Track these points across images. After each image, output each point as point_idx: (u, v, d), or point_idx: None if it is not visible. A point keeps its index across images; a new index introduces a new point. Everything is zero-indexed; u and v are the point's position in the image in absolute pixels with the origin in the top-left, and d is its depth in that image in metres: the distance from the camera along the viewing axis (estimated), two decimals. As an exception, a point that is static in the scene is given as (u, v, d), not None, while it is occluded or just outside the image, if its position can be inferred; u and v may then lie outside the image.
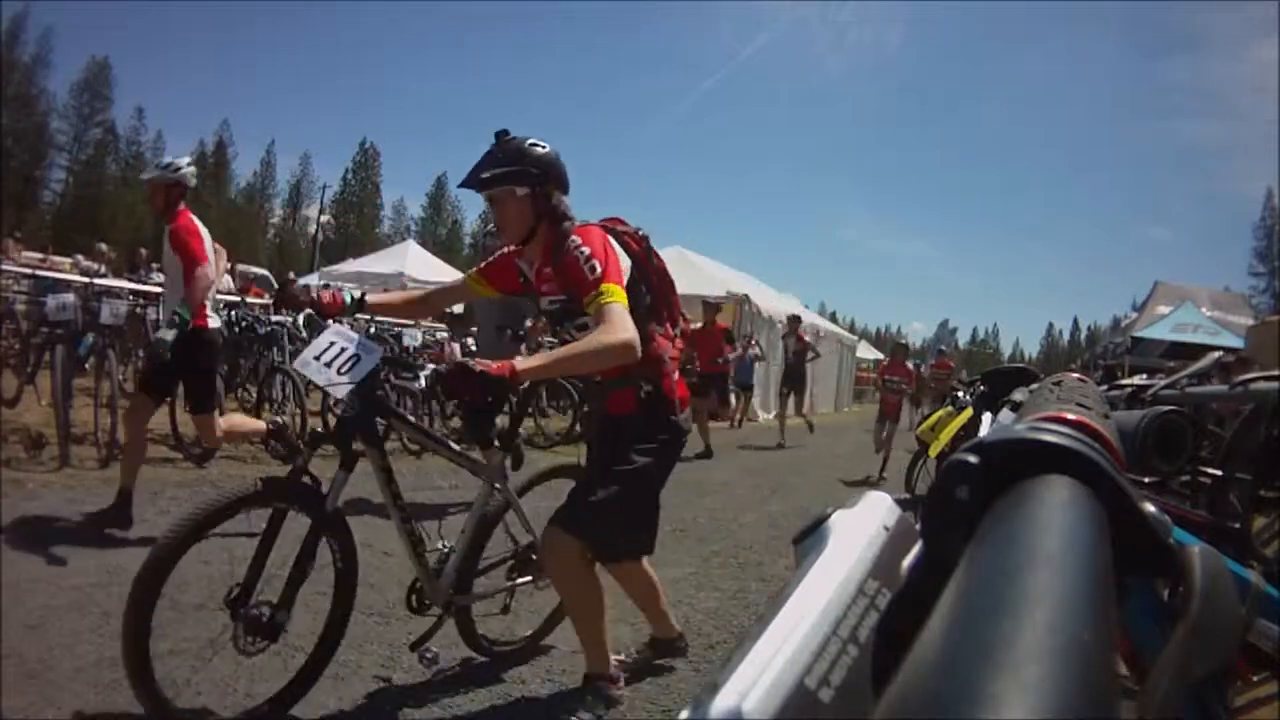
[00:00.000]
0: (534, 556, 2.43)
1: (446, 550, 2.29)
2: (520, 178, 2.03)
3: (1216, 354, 3.32)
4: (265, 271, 17.39)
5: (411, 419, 2.66)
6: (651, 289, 2.20)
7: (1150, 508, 0.34)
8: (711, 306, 8.86)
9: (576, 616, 2.16)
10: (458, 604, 2.30)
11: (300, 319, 2.36)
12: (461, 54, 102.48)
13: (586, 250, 1.95)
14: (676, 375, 2.16)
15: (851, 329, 50.22)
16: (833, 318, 46.69)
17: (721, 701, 0.25)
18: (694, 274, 14.22)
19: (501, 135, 2.09)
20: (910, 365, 9.27)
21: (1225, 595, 0.34)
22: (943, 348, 19.38)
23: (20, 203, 37.38)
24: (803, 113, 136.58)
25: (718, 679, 0.26)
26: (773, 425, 10.51)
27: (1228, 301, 17.47)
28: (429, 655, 2.20)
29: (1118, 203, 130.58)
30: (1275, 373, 2.33)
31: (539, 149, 2.07)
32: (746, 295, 13.43)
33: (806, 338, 10.88)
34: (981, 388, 1.41)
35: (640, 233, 2.22)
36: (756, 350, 11.67)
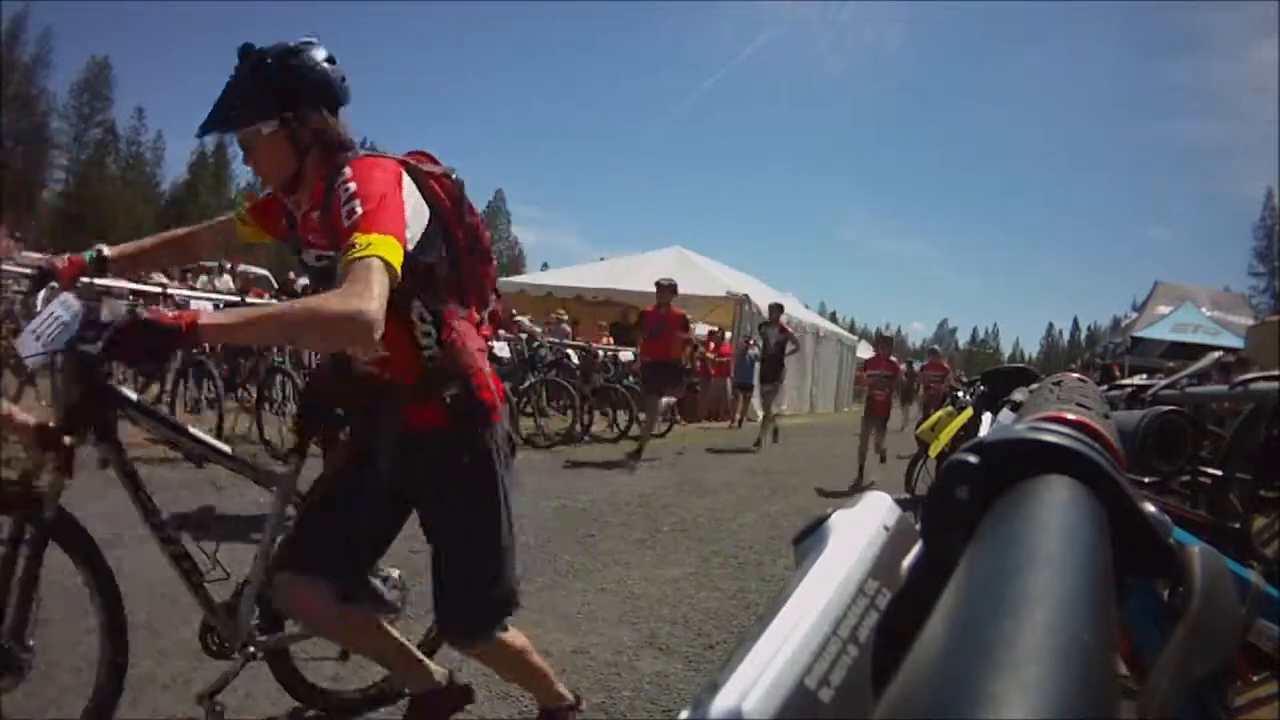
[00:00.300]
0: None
1: (244, 578, 1.85)
2: (263, 108, 1.52)
3: (1216, 354, 3.32)
4: (265, 272, 17.37)
5: (163, 411, 2.10)
6: (457, 251, 1.65)
7: (1150, 508, 0.34)
8: (666, 289, 7.60)
9: (507, 677, 1.92)
10: (264, 646, 1.86)
11: (40, 296, 1.89)
12: (461, 54, 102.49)
13: (351, 187, 1.42)
14: (489, 369, 1.69)
15: (851, 329, 50.21)
16: (833, 318, 46.73)
17: (721, 701, 0.25)
18: (694, 274, 14.25)
19: (244, 53, 1.55)
20: (894, 359, 8.72)
21: (1225, 595, 0.34)
22: (935, 347, 18.88)
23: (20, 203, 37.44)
24: (803, 113, 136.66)
25: (718, 679, 0.26)
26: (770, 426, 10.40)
27: (1228, 301, 17.51)
28: (218, 709, 1.80)
29: (1118, 203, 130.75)
30: (1275, 373, 2.33)
31: (290, 60, 1.54)
32: (746, 295, 13.45)
33: (790, 328, 10.53)
34: (981, 388, 1.41)
35: (454, 175, 1.68)
36: (755, 351, 11.66)
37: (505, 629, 1.70)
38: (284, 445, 5.17)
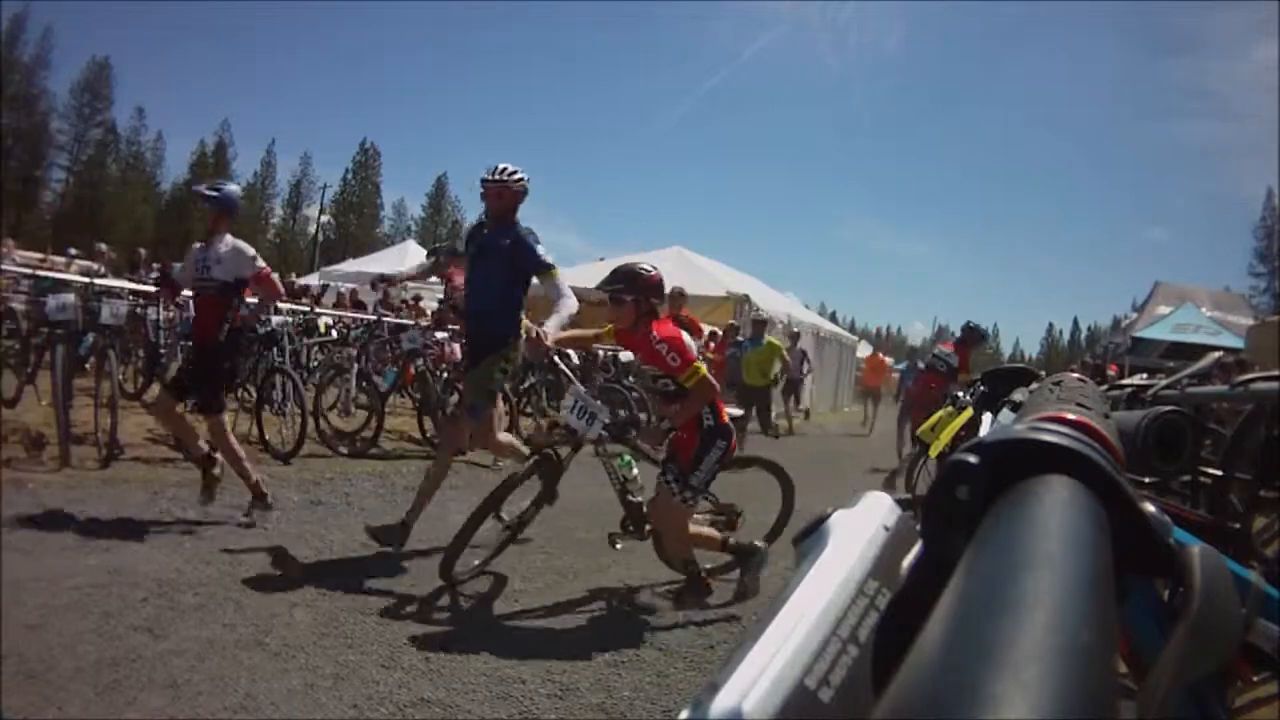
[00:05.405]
0: None
1: None
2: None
3: (1216, 354, 3.33)
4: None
5: None
6: None
7: (1150, 508, 0.34)
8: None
9: None
10: None
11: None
12: (461, 54, 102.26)
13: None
14: None
15: (852, 329, 50.23)
16: (833, 317, 46.68)
17: (721, 701, 0.25)
18: (694, 274, 14.21)
19: None
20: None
21: (1225, 595, 0.34)
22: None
23: (20, 203, 37.41)
24: (803, 112, 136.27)
25: (718, 679, 0.26)
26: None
27: (1228, 302, 17.51)
28: None
29: (1118, 203, 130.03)
30: (1275, 373, 2.33)
31: None
32: (747, 295, 13.44)
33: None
34: (981, 388, 1.40)
35: None
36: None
37: None
38: (284, 445, 5.17)
